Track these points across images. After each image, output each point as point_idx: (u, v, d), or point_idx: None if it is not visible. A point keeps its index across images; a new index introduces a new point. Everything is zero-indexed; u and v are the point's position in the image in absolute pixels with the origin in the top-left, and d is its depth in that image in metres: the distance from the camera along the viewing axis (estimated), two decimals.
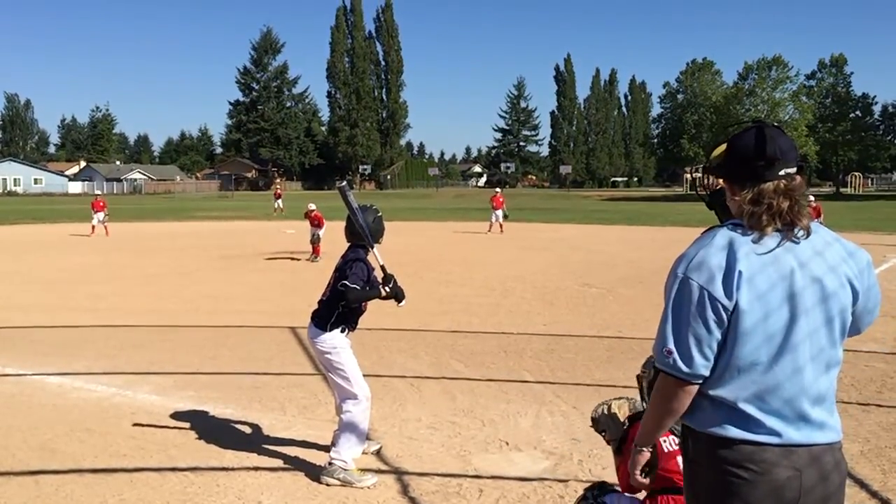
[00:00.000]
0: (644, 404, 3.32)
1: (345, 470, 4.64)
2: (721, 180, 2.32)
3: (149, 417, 5.91)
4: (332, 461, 4.67)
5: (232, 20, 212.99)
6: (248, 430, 5.66)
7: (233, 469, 4.88)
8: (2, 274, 15.81)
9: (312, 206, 19.20)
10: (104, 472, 4.87)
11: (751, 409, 2.08)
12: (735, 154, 2.18)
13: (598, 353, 8.28)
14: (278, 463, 4.99)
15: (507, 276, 14.91)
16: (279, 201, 42.31)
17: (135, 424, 5.73)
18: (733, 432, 2.08)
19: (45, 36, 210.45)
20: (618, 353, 8.21)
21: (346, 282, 4.68)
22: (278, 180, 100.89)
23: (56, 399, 6.45)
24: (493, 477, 4.78)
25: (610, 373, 7.35)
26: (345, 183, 5.36)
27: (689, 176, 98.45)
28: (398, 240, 25.15)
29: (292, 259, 18.37)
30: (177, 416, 5.95)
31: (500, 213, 27.82)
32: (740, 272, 2.05)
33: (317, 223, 18.53)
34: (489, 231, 27.36)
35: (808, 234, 2.12)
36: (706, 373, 2.10)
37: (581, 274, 15.26)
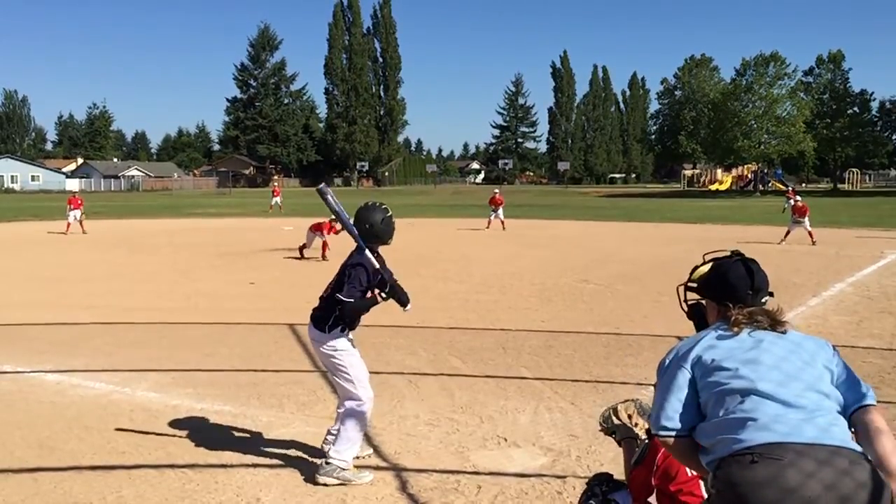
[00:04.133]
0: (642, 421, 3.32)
1: (343, 469, 4.61)
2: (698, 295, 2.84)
3: (147, 414, 5.91)
4: (330, 461, 4.62)
5: (229, 17, 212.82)
6: (246, 426, 5.66)
7: (231, 466, 4.89)
8: (0, 271, 15.80)
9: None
10: (103, 468, 4.87)
11: None
12: (725, 282, 2.67)
13: (596, 349, 8.29)
14: (277, 460, 5.00)
15: (505, 273, 14.92)
16: (277, 199, 42.16)
17: (118, 429, 5.73)
18: None
19: (43, 33, 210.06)
20: (615, 350, 8.22)
21: (340, 295, 4.56)
22: (276, 178, 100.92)
23: (54, 396, 6.45)
24: (491, 473, 4.79)
25: (608, 369, 7.37)
26: (323, 184, 5.11)
27: (686, 172, 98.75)
28: (396, 237, 25.16)
29: (305, 258, 18.32)
30: (175, 412, 5.96)
31: (501, 210, 27.87)
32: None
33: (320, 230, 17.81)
34: (488, 227, 27.39)
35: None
36: None
37: (579, 270, 15.27)
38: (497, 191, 30.16)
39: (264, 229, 27.81)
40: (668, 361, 2.57)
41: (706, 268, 2.79)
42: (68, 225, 26.06)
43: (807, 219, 21.15)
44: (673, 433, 2.45)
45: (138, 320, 9.92)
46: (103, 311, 10.75)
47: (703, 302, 2.80)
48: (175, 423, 5.70)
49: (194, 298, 12.12)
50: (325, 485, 4.56)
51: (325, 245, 17.80)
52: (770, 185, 79.53)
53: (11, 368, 7.41)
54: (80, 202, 26.69)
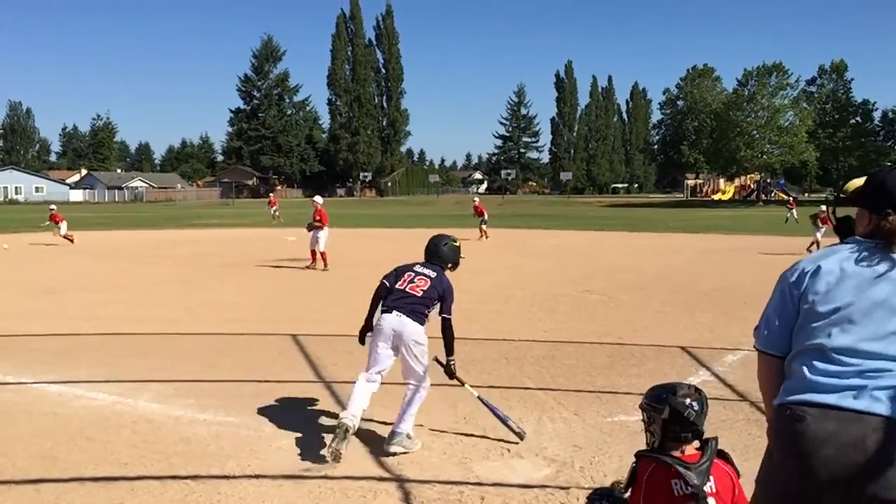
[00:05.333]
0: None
1: (408, 438, 5.38)
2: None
3: (149, 425, 5.90)
4: (397, 432, 5.37)
5: (233, 28, 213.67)
6: (248, 437, 5.65)
7: (234, 477, 4.87)
8: (2, 282, 15.82)
9: (319, 200, 19.07)
10: (105, 480, 4.86)
11: None
12: (883, 188, 2.54)
13: (599, 359, 8.27)
14: (279, 470, 4.98)
15: (507, 283, 14.90)
16: (274, 209, 42.28)
17: (120, 440, 5.71)
18: None
19: (47, 45, 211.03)
20: (618, 360, 8.20)
21: (447, 316, 5.62)
22: (279, 188, 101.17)
23: (57, 407, 6.44)
24: (494, 484, 4.77)
25: (611, 379, 7.35)
26: None
27: (689, 182, 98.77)
28: (398, 246, 25.15)
29: (310, 268, 18.32)
30: (177, 423, 5.95)
31: (483, 219, 28.13)
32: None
33: (319, 221, 17.88)
34: (486, 238, 27.44)
35: None
36: None
37: (581, 280, 15.25)
38: (476, 200, 30.23)
39: (267, 240, 27.83)
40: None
41: (860, 181, 2.72)
42: (66, 237, 25.52)
43: (825, 228, 20.91)
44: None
45: (141, 331, 9.92)
46: (106, 321, 10.75)
47: (854, 216, 2.72)
48: (177, 434, 5.69)
49: (197, 309, 12.12)
50: (395, 453, 5.28)
51: (324, 255, 17.80)
52: (773, 194, 79.53)
53: (14, 379, 7.40)
54: (61, 218, 26.18)
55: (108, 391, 6.91)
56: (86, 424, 5.94)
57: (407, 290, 5.57)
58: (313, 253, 17.94)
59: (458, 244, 6.05)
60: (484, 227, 27.93)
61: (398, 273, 5.72)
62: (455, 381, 5.75)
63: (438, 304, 5.60)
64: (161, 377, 7.40)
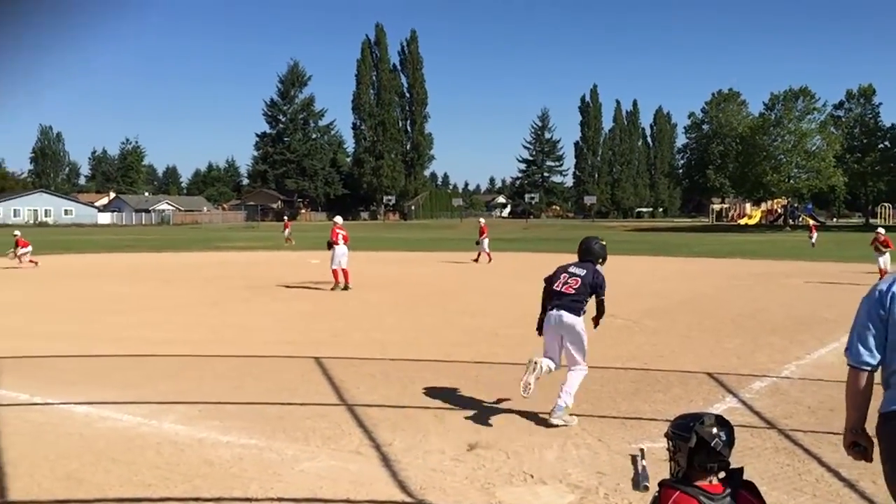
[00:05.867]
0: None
1: (567, 411, 6.51)
2: None
3: (174, 447, 5.93)
4: (559, 405, 6.49)
5: (259, 53, 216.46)
6: (272, 460, 5.65)
7: (257, 500, 4.87)
8: (30, 303, 16.04)
9: (339, 220, 19.19)
10: (130, 501, 4.88)
11: None
12: None
13: (624, 385, 8.19)
14: (302, 493, 4.98)
15: (531, 307, 14.79)
16: (287, 231, 43.22)
17: (145, 462, 5.72)
18: None
19: (76, 69, 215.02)
20: (644, 386, 8.12)
21: (601, 298, 6.99)
22: (304, 211, 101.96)
23: (83, 428, 6.49)
24: None
25: (636, 405, 7.27)
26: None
27: (715, 206, 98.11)
28: (422, 270, 25.19)
29: (335, 289, 18.39)
30: (201, 445, 5.97)
31: (486, 241, 28.22)
32: None
33: (339, 239, 18.02)
34: (488, 260, 27.65)
35: None
36: None
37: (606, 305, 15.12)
38: (482, 220, 30.31)
39: (291, 263, 28.00)
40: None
41: None
42: (21, 260, 25.76)
43: (888, 253, 20.25)
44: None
45: (166, 352, 9.98)
46: (132, 343, 10.84)
47: None
48: (201, 457, 5.71)
49: (222, 331, 12.20)
50: (556, 425, 6.37)
51: (346, 272, 17.87)
52: (800, 219, 78.72)
53: (41, 400, 7.48)
54: (26, 242, 26.41)
55: (133, 412, 6.96)
56: (111, 445, 5.98)
57: (562, 290, 6.85)
58: (335, 273, 18.03)
59: (605, 243, 7.37)
60: (487, 251, 28.12)
61: (555, 275, 7.01)
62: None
63: (593, 292, 6.87)
64: (186, 399, 7.44)
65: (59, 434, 6.32)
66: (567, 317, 6.75)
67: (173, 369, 9.02)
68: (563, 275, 6.96)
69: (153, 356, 9.76)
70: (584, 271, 6.93)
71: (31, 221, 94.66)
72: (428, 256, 28.55)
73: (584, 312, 6.86)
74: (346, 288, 17.65)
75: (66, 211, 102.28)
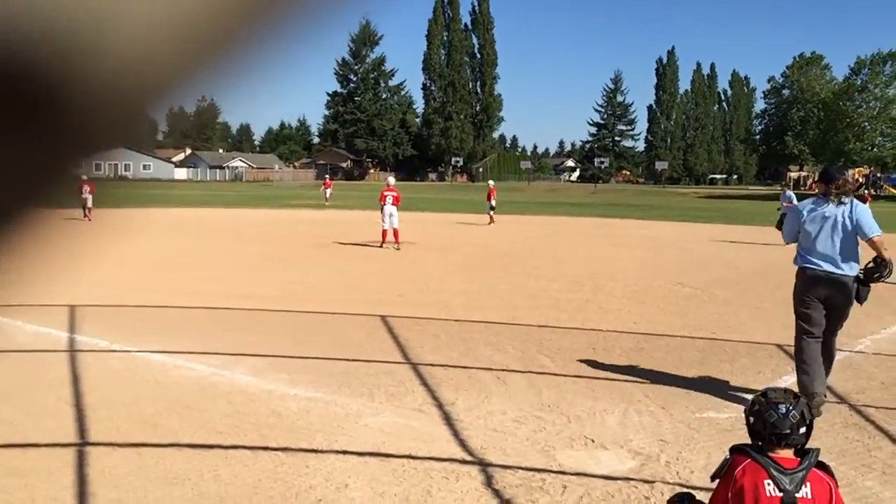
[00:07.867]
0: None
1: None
2: None
3: (244, 397, 6.13)
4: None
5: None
6: (337, 414, 5.79)
7: (321, 451, 5.01)
8: (111, 255, 16.64)
9: (391, 181, 19.48)
10: (201, 447, 5.08)
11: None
12: None
13: (690, 354, 8.08)
14: (365, 447, 5.10)
15: (597, 273, 14.71)
16: (328, 191, 42.08)
17: (217, 410, 5.92)
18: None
19: None
20: (710, 356, 8.00)
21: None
22: (373, 171, 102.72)
23: (158, 376, 6.76)
24: (577, 473, 4.74)
25: (701, 375, 7.17)
26: None
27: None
28: (487, 232, 25.19)
29: (384, 247, 18.58)
30: (270, 397, 6.15)
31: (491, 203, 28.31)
32: None
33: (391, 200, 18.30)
34: (491, 222, 27.73)
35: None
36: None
37: (674, 273, 14.91)
38: (491, 182, 30.12)
39: (361, 221, 28.29)
40: None
41: None
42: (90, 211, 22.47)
43: None
44: None
45: (238, 306, 10.26)
46: (206, 296, 11.18)
47: None
48: (269, 407, 5.89)
49: (291, 286, 12.47)
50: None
51: (396, 232, 18.14)
52: (883, 189, 75.58)
53: (120, 347, 7.81)
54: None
55: (206, 362, 7.21)
56: (184, 393, 6.22)
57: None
58: (384, 232, 18.42)
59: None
60: (492, 213, 28.15)
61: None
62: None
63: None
64: (256, 351, 7.65)
65: (136, 380, 6.60)
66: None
67: (244, 322, 9.28)
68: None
69: (225, 309, 10.06)
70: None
71: (113, 175, 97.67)
72: (497, 218, 28.48)
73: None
74: (396, 248, 17.94)
75: (144, 166, 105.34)
